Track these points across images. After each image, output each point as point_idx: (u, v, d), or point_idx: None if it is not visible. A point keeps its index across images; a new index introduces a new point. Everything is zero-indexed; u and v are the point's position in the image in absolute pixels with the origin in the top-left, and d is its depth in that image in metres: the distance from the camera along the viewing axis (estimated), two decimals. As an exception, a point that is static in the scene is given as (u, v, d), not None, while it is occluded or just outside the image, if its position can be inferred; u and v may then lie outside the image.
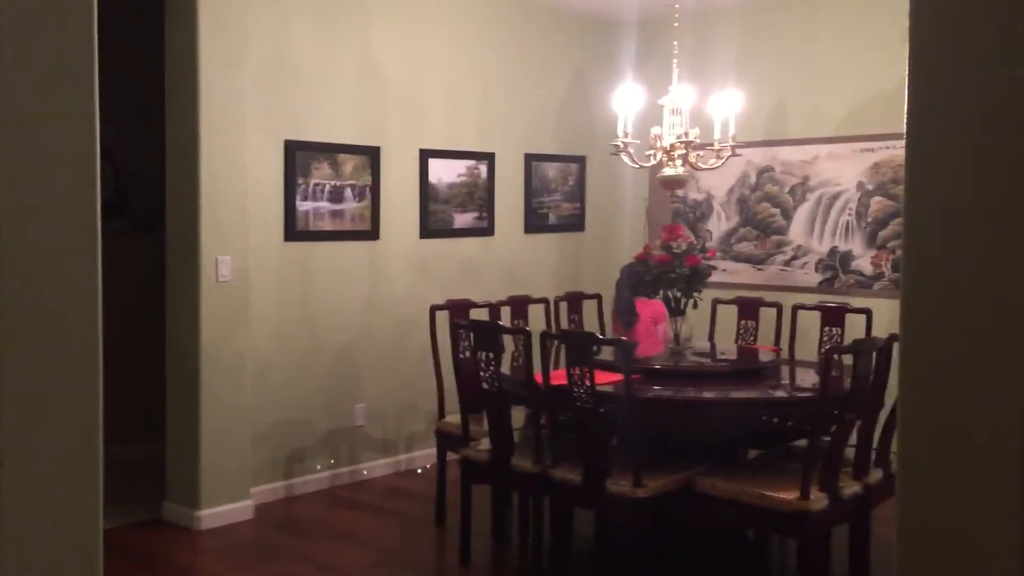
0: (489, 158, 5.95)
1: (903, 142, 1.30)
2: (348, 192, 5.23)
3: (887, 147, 5.49)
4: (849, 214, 5.69)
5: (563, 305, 5.28)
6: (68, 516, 2.65)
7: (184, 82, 4.49)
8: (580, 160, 6.51)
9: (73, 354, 2.62)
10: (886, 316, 5.16)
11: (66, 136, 2.52)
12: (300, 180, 5.00)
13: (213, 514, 4.54)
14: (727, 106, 4.45)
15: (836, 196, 5.74)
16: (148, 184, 5.70)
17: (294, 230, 4.99)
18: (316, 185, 5.08)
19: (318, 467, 5.17)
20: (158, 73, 4.66)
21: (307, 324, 5.10)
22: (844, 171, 5.70)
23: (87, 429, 2.69)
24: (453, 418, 4.55)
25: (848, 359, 3.54)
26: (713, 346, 4.93)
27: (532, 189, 6.23)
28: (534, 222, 6.26)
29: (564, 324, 5.19)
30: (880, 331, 4.49)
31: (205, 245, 4.50)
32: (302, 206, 5.02)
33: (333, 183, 5.15)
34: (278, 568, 4.06)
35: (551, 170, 6.36)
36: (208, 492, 4.54)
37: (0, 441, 2.45)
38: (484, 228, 5.96)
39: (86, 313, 2.62)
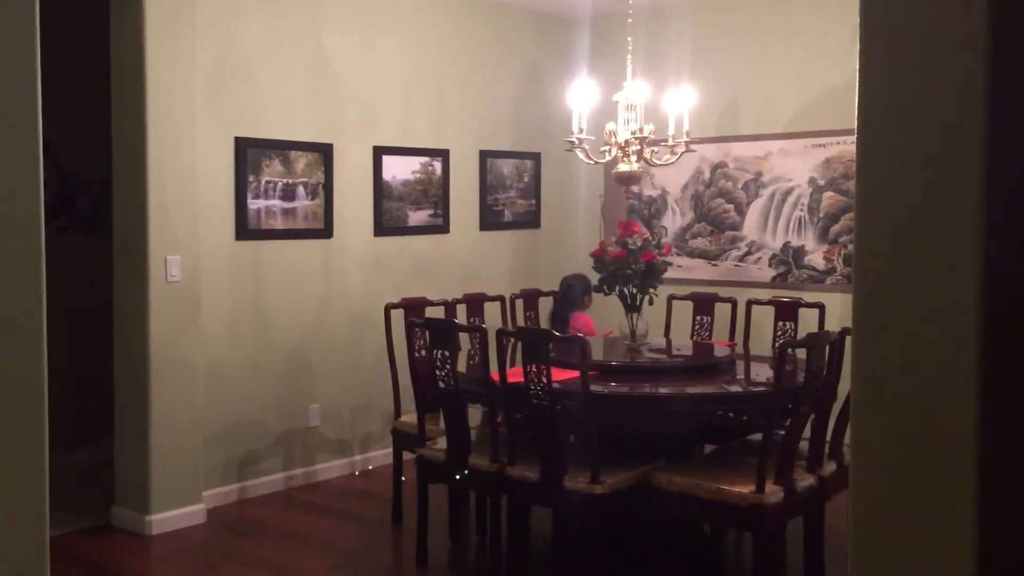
0: (443, 155, 5.91)
1: (854, 138, 1.30)
2: (300, 190, 5.16)
3: (838, 143, 5.56)
4: (801, 209, 5.75)
5: (519, 302, 5.27)
6: (13, 523, 2.57)
7: (131, 78, 4.40)
8: (535, 157, 6.50)
9: (17, 356, 2.54)
10: (838, 310, 5.23)
11: (7, 132, 2.44)
12: (251, 178, 4.92)
13: (164, 519, 4.45)
14: (681, 102, 4.47)
15: (789, 192, 5.80)
16: (93, 182, 5.58)
17: (245, 228, 4.91)
18: (268, 183, 5.00)
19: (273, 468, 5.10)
20: (103, 67, 4.55)
21: (259, 324, 5.02)
22: (796, 167, 5.76)
23: (32, 433, 2.61)
24: (409, 417, 4.51)
25: (802, 353, 3.57)
26: (669, 342, 4.95)
27: (487, 186, 6.21)
28: (489, 219, 6.24)
29: (520, 321, 5.19)
30: (832, 325, 4.54)
31: (154, 244, 4.41)
32: (253, 204, 4.95)
33: (285, 181, 5.08)
34: (232, 572, 3.99)
35: (506, 167, 6.34)
36: (159, 496, 4.45)
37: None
38: (439, 225, 5.92)
39: (30, 314, 2.54)
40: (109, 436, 4.68)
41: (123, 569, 4.06)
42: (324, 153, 5.24)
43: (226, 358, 4.87)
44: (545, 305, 5.46)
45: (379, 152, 5.55)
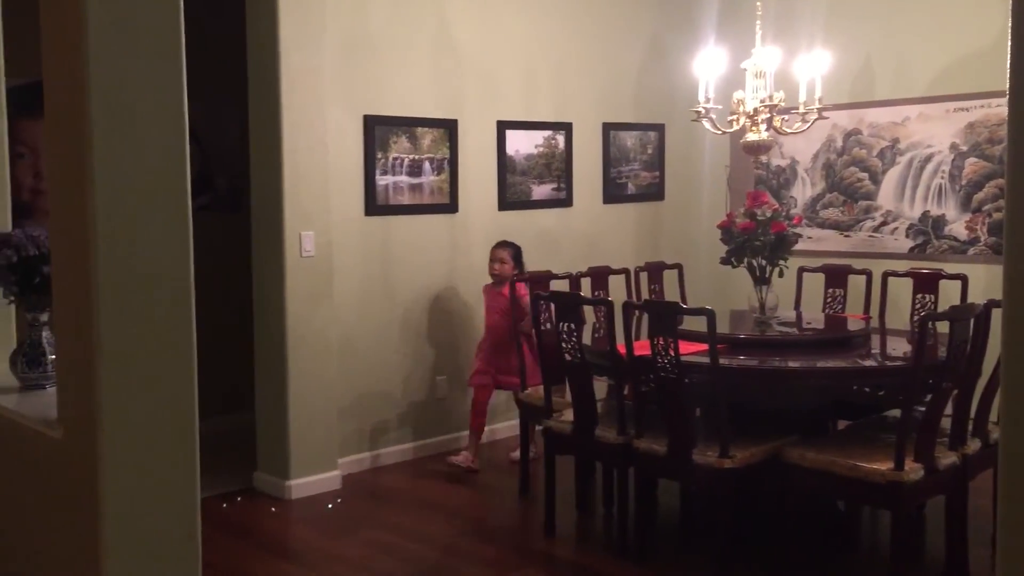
0: (566, 128, 5.90)
1: (999, 100, 1.23)
2: (426, 165, 5.25)
3: (982, 106, 5.26)
4: (942, 177, 5.49)
5: (643, 275, 5.24)
6: (167, 485, 2.73)
7: (265, 61, 4.55)
8: (659, 128, 6.41)
9: (170, 331, 2.69)
10: (982, 282, 4.99)
11: (158, 121, 2.56)
12: (379, 154, 5.04)
13: (302, 484, 4.65)
14: (813, 67, 4.32)
15: (928, 159, 5.54)
16: (231, 162, 5.82)
17: (374, 204, 5.04)
18: (395, 159, 5.11)
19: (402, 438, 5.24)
20: (239, 51, 4.73)
21: (388, 297, 5.15)
22: (936, 132, 5.49)
23: (184, 402, 2.76)
24: (535, 389, 4.56)
25: (942, 327, 3.42)
26: (799, 315, 4.83)
27: (610, 159, 6.16)
28: (612, 192, 6.20)
29: (645, 294, 5.15)
30: (976, 297, 4.33)
31: (289, 221, 4.57)
32: (381, 180, 5.06)
33: (411, 157, 5.18)
34: (366, 537, 4.14)
35: (629, 139, 6.28)
36: (297, 463, 4.64)
37: (104, 415, 2.53)
38: (562, 199, 5.92)
39: (180, 291, 2.68)
40: (251, 404, 4.89)
41: (266, 531, 4.26)
42: (449, 129, 5.31)
43: (357, 331, 5.01)
44: (669, 278, 5.40)
45: (502, 127, 5.58)
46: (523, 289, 4.77)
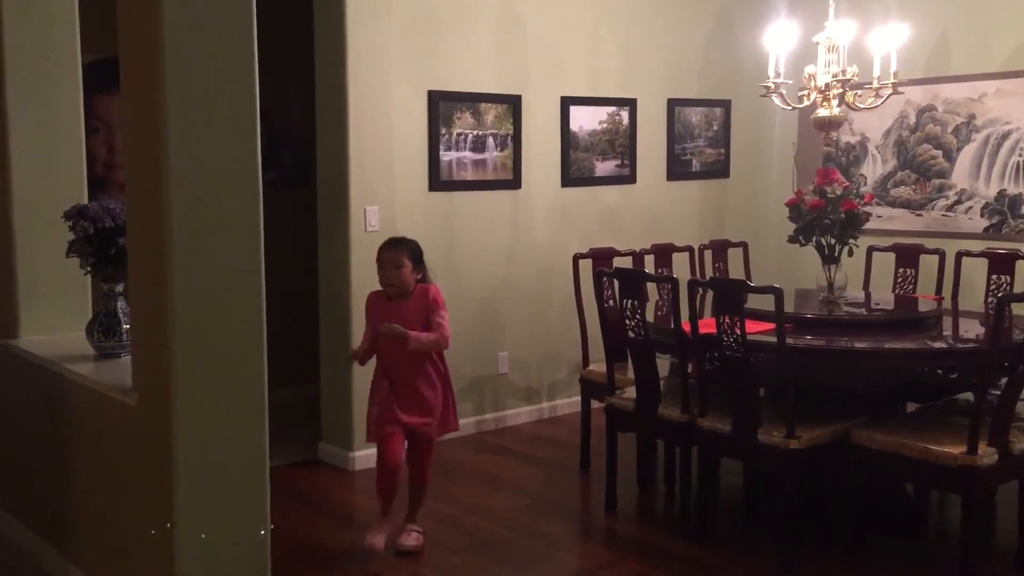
0: (631, 104, 5.84)
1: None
2: (490, 141, 5.24)
3: (1065, 80, 5.08)
4: (1020, 155, 5.31)
5: (707, 253, 5.18)
6: (238, 452, 2.79)
7: (332, 37, 4.58)
8: (725, 104, 6.31)
9: (241, 303, 2.74)
10: (1061, 263, 4.82)
11: (231, 94, 2.60)
12: (443, 130, 5.04)
13: (366, 455, 4.70)
14: (888, 40, 4.20)
15: (1005, 136, 5.36)
16: (297, 138, 5.88)
17: (438, 180, 5.05)
18: (459, 135, 5.11)
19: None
20: (306, 27, 4.76)
21: (451, 273, 5.16)
22: (1015, 108, 5.31)
23: (254, 372, 2.81)
24: (597, 366, 4.55)
25: (1018, 308, 3.32)
26: (868, 295, 4.73)
27: (675, 135, 6.09)
28: (677, 169, 6.12)
29: (709, 272, 5.10)
30: (1055, 279, 4.20)
31: (354, 196, 4.61)
32: (445, 156, 5.07)
33: (475, 132, 5.18)
34: (428, 509, 4.17)
35: (694, 115, 6.19)
36: (361, 434, 4.68)
37: (177, 383, 2.59)
38: (626, 176, 5.87)
39: (251, 265, 2.73)
40: (317, 376, 4.96)
41: (329, 500, 4.33)
42: (513, 104, 5.29)
43: (420, 306, 5.04)
44: (734, 256, 5.33)
45: (566, 103, 5.54)
46: (440, 293, 3.74)
